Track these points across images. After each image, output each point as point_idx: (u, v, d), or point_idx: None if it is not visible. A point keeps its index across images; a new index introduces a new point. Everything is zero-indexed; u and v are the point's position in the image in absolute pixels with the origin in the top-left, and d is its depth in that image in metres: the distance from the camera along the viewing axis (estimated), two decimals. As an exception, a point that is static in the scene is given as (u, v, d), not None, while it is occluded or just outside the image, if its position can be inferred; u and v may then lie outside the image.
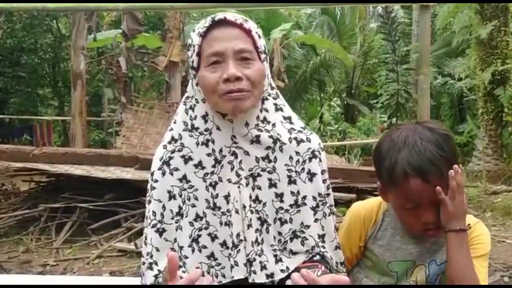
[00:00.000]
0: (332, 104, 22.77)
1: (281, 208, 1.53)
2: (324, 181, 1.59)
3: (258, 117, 1.52)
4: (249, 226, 1.49)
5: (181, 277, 1.35)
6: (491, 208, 7.90)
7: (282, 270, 1.50)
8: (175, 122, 1.58)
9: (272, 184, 1.53)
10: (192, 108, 1.54)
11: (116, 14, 14.79)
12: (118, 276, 4.86)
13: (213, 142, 1.51)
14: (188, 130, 1.54)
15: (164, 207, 1.53)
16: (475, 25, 10.77)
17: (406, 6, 16.58)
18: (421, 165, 1.48)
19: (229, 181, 1.50)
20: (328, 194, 1.59)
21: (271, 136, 1.53)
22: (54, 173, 6.65)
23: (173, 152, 1.55)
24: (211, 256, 1.50)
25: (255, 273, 1.48)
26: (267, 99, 1.55)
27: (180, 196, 1.53)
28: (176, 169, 1.53)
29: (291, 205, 1.54)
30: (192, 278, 1.32)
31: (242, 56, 1.45)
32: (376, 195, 1.79)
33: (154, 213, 1.53)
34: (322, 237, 1.56)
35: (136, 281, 1.59)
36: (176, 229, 1.52)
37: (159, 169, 1.55)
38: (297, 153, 1.56)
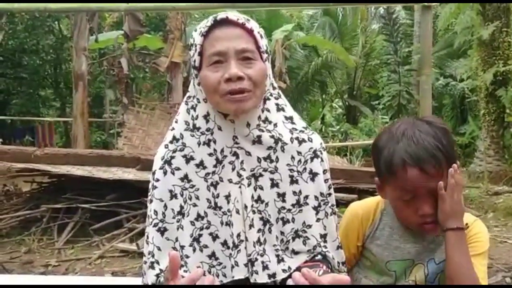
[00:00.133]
0: (334, 105, 22.77)
1: (283, 208, 1.53)
2: (326, 180, 1.59)
3: (259, 117, 1.52)
4: (251, 226, 1.49)
5: (183, 277, 1.35)
6: (493, 209, 7.88)
7: (284, 270, 1.50)
8: (176, 122, 1.58)
9: (274, 184, 1.53)
10: (193, 107, 1.54)
11: (117, 15, 14.81)
12: (120, 276, 4.86)
13: (214, 142, 1.51)
14: (189, 129, 1.54)
15: (165, 206, 1.53)
16: (477, 26, 10.76)
17: (408, 7, 16.57)
18: (418, 155, 1.49)
19: (230, 181, 1.51)
20: (330, 194, 1.59)
21: (272, 136, 1.53)
22: (56, 173, 6.65)
23: (174, 151, 1.55)
24: (212, 255, 1.50)
25: (257, 273, 1.48)
26: (268, 99, 1.55)
27: (182, 195, 1.53)
28: (178, 169, 1.54)
29: (293, 205, 1.54)
30: (194, 278, 1.33)
31: (244, 56, 1.45)
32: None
33: (155, 212, 1.53)
34: (324, 236, 1.56)
35: (138, 281, 1.59)
36: (178, 229, 1.52)
37: (160, 168, 1.55)
38: (299, 153, 1.56)
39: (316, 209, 1.56)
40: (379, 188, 1.67)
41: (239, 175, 1.51)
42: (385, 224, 1.68)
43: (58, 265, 5.28)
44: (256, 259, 1.48)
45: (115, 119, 14.75)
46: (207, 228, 1.51)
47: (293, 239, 1.54)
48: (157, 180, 1.55)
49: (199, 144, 1.52)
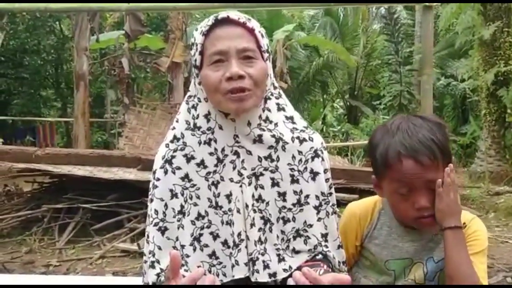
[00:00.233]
0: (335, 105, 22.76)
1: (284, 207, 1.53)
2: (326, 180, 1.59)
3: (260, 117, 1.52)
4: (252, 225, 1.49)
5: (184, 276, 1.35)
6: (494, 209, 7.88)
7: (285, 270, 1.50)
8: (177, 121, 1.58)
9: (275, 183, 1.53)
10: (194, 107, 1.54)
11: (118, 15, 14.81)
12: (121, 276, 4.86)
13: (215, 141, 1.51)
14: (190, 129, 1.54)
15: (166, 205, 1.53)
16: (478, 26, 10.74)
17: (409, 7, 16.55)
18: (413, 146, 1.50)
19: (231, 180, 1.51)
20: (330, 193, 1.59)
21: (273, 136, 1.53)
22: (57, 174, 6.66)
23: (175, 151, 1.55)
24: (213, 255, 1.50)
25: (258, 272, 1.48)
26: (269, 98, 1.55)
27: (182, 194, 1.53)
28: (178, 168, 1.53)
29: (294, 204, 1.54)
30: (194, 277, 1.32)
31: (245, 55, 1.45)
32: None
33: (156, 211, 1.53)
34: (324, 236, 1.56)
35: (139, 281, 1.59)
36: (178, 228, 1.52)
37: (161, 167, 1.55)
38: (300, 152, 1.56)
39: (317, 208, 1.56)
40: (376, 186, 1.67)
41: (240, 174, 1.51)
42: (383, 223, 1.69)
43: (59, 265, 5.29)
44: (257, 258, 1.48)
45: (116, 119, 14.76)
46: (208, 227, 1.51)
47: (294, 238, 1.54)
48: (158, 179, 1.55)
49: (199, 143, 1.52)
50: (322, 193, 1.57)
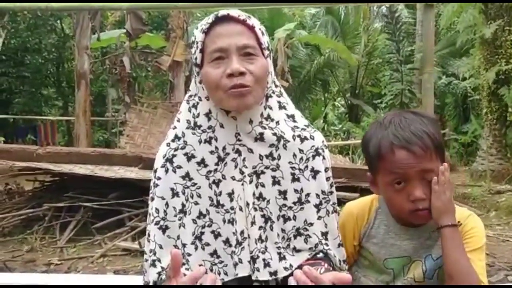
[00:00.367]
0: (336, 104, 22.78)
1: (285, 205, 1.53)
2: (327, 178, 1.59)
3: (262, 115, 1.52)
4: (253, 223, 1.49)
5: (185, 275, 1.35)
6: (495, 208, 7.89)
7: (285, 268, 1.50)
8: (178, 121, 1.58)
9: (276, 182, 1.53)
10: (195, 106, 1.54)
11: (119, 14, 14.83)
12: (122, 275, 4.86)
13: (216, 139, 1.51)
14: (191, 128, 1.54)
15: (167, 204, 1.53)
16: (479, 25, 10.73)
17: (410, 6, 16.54)
18: (405, 137, 1.52)
19: (233, 178, 1.51)
20: (331, 192, 1.59)
21: (275, 134, 1.53)
22: (58, 172, 6.66)
23: (176, 150, 1.55)
24: (214, 253, 1.50)
25: (258, 270, 1.48)
26: (271, 96, 1.55)
27: (183, 193, 1.53)
28: (179, 167, 1.53)
29: (294, 203, 1.54)
30: (196, 276, 1.32)
31: (246, 51, 1.45)
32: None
33: (157, 210, 1.53)
34: (325, 234, 1.56)
35: (140, 279, 1.59)
36: (179, 227, 1.52)
37: (162, 166, 1.55)
38: (301, 150, 1.56)
39: (318, 207, 1.56)
40: (371, 183, 1.67)
41: (242, 172, 1.51)
42: (380, 222, 1.68)
43: (60, 263, 5.29)
44: (258, 257, 1.48)
45: (117, 118, 14.79)
46: (209, 226, 1.51)
47: (295, 237, 1.54)
48: (159, 178, 1.55)
49: (200, 142, 1.52)
50: (323, 192, 1.57)
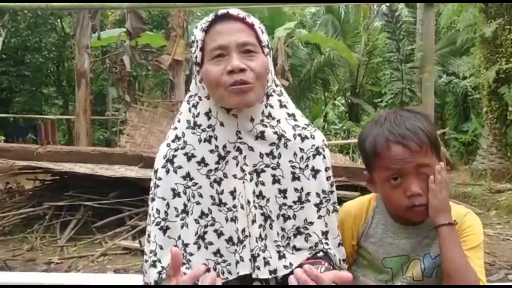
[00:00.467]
0: (337, 103, 22.76)
1: (285, 204, 1.53)
2: (328, 178, 1.59)
3: (263, 113, 1.52)
4: (253, 221, 1.49)
5: (185, 273, 1.35)
6: (495, 207, 7.89)
7: (285, 266, 1.50)
8: (178, 121, 1.58)
9: (276, 180, 1.53)
10: (195, 105, 1.54)
11: (120, 13, 14.82)
12: (122, 274, 4.86)
13: (216, 138, 1.51)
14: (191, 127, 1.54)
15: (168, 205, 1.52)
16: (480, 24, 10.74)
17: (410, 5, 16.53)
18: (400, 133, 1.53)
19: (235, 176, 1.51)
20: (331, 191, 1.59)
21: (275, 132, 1.53)
22: (59, 171, 6.66)
23: (176, 150, 1.55)
24: (217, 252, 1.50)
25: (258, 268, 1.48)
26: (271, 95, 1.55)
27: (185, 193, 1.53)
28: (180, 167, 1.53)
29: (294, 202, 1.54)
30: (196, 275, 1.32)
31: (246, 49, 1.46)
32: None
33: (158, 211, 1.53)
34: (325, 233, 1.56)
35: (140, 278, 1.59)
36: (182, 227, 1.52)
37: (162, 167, 1.55)
38: (301, 149, 1.56)
39: (318, 206, 1.56)
40: (368, 182, 1.67)
41: (242, 170, 1.51)
42: (378, 221, 1.69)
43: (61, 262, 5.29)
44: (258, 255, 1.48)
45: (117, 117, 14.79)
46: (212, 225, 1.51)
47: (295, 236, 1.53)
48: (160, 178, 1.54)
49: (199, 141, 1.52)
50: (323, 191, 1.57)
